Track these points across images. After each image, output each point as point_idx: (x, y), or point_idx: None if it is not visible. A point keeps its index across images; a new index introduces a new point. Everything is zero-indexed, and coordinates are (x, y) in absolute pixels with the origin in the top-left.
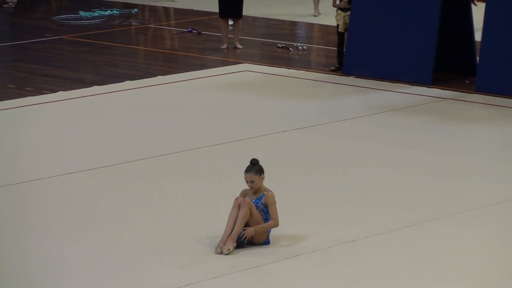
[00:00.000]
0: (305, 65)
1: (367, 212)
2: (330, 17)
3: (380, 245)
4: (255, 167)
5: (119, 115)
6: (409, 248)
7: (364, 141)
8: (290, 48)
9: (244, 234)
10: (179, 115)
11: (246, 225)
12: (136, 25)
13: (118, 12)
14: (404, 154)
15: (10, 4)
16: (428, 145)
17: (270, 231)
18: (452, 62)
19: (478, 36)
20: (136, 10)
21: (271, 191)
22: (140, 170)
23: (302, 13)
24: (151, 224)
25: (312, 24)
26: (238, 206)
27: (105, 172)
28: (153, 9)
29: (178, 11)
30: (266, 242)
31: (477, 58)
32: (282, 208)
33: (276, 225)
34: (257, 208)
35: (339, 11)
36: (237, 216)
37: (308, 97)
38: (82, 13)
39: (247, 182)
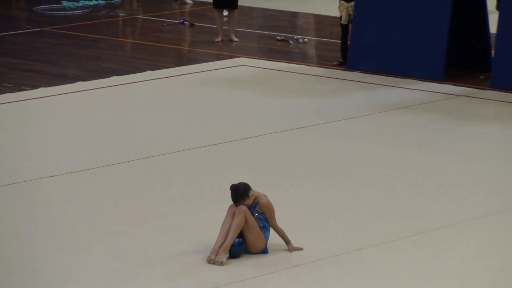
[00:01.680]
0: (306, 59)
1: (372, 219)
2: (334, 8)
3: (386, 255)
4: (238, 195)
5: (104, 113)
6: (417, 258)
7: (369, 142)
8: (290, 41)
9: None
10: (169, 113)
11: (241, 234)
12: (123, 16)
13: (104, 2)
14: (412, 156)
15: None
16: (438, 146)
17: (268, 239)
18: (466, 56)
19: (493, 29)
20: None
21: (265, 196)
22: (127, 173)
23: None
24: (138, 231)
25: (314, 15)
26: (232, 214)
27: (88, 176)
28: None
29: (168, 1)
30: (264, 251)
31: (492, 52)
32: (280, 215)
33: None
34: (253, 217)
35: (342, 2)
36: (230, 225)
37: (309, 94)
38: (65, 3)
39: None
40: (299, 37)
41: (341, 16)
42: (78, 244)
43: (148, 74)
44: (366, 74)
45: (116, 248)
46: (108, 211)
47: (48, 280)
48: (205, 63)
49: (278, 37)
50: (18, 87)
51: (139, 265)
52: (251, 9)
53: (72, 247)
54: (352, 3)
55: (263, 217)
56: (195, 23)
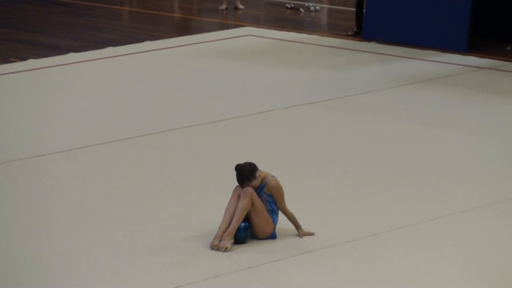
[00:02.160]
0: (318, 28)
1: (389, 203)
2: None
3: (403, 240)
4: (244, 176)
5: (99, 87)
6: (436, 244)
7: (386, 119)
8: (301, 9)
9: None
10: (168, 87)
11: (247, 218)
12: None
13: None
14: (433, 135)
15: None
16: (461, 124)
17: (276, 223)
18: (491, 26)
19: None
20: None
21: (274, 176)
22: (123, 153)
23: None
24: (135, 217)
25: None
26: (237, 196)
27: (80, 155)
28: None
29: None
30: (272, 236)
31: None
32: (289, 197)
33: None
34: (260, 199)
35: None
36: (235, 209)
37: (321, 66)
38: None
39: None
40: (311, 4)
41: None
42: (73, 233)
43: (147, 45)
44: (383, 45)
45: (112, 235)
46: (103, 194)
47: (42, 271)
48: (208, 33)
49: (287, 5)
50: (5, 58)
51: (138, 254)
52: None
53: (66, 235)
54: None
55: (271, 199)
56: None
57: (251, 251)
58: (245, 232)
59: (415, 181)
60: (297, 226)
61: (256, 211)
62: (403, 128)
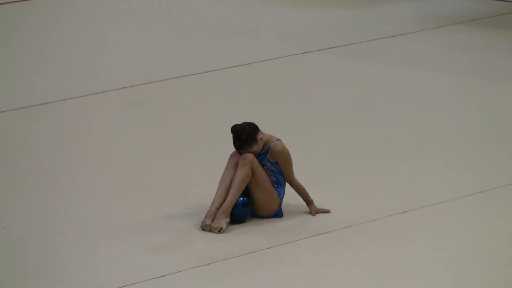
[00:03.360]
0: None
1: (422, 173)
2: None
3: (437, 217)
4: (242, 139)
5: (66, 25)
6: (475, 219)
7: (417, 68)
8: None
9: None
10: (156, 27)
11: (246, 191)
12: None
13: None
14: (474, 88)
15: None
16: (508, 73)
17: (282, 198)
18: None
19: None
20: None
21: (279, 140)
22: (97, 109)
23: None
24: (113, 189)
25: None
26: (234, 164)
27: (43, 112)
28: None
29: None
30: (278, 214)
31: None
32: (298, 166)
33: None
34: (263, 168)
35: None
36: (232, 179)
37: (338, 4)
38: None
39: None
40: None
41: None
42: (28, 208)
43: None
44: None
45: (82, 214)
46: (74, 160)
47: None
48: None
49: None
50: None
51: (114, 234)
52: None
53: (33, 209)
54: None
55: (277, 168)
56: None
57: (252, 233)
58: (244, 209)
59: (453, 147)
60: (309, 201)
61: (258, 182)
62: (438, 80)
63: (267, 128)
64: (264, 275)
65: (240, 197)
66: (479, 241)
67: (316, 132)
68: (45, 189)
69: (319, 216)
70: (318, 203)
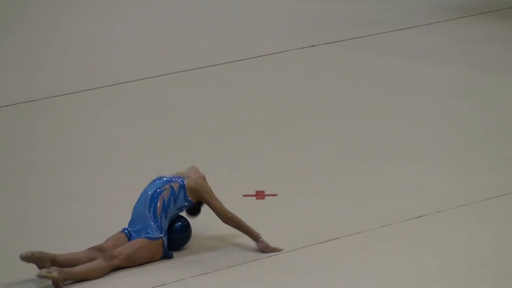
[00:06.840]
0: None
1: (433, 176)
2: None
3: (456, 223)
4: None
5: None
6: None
7: (432, 63)
8: None
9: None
10: (148, 21)
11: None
12: None
13: None
14: (494, 85)
15: None
16: None
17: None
18: None
19: None
20: None
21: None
22: (88, 105)
23: None
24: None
25: None
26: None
27: (35, 108)
28: None
29: None
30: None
31: None
32: (303, 166)
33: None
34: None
35: None
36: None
37: None
38: None
39: None
40: None
41: None
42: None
43: None
44: None
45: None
46: (66, 158)
47: None
48: None
49: None
50: None
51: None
52: None
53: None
54: None
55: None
56: None
57: (252, 241)
58: (183, 233)
59: (468, 143)
60: (254, 236)
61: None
62: (455, 75)
63: (272, 123)
64: (265, 285)
65: (178, 221)
66: (496, 248)
67: (325, 130)
68: (36, 189)
69: (320, 222)
70: (320, 204)
